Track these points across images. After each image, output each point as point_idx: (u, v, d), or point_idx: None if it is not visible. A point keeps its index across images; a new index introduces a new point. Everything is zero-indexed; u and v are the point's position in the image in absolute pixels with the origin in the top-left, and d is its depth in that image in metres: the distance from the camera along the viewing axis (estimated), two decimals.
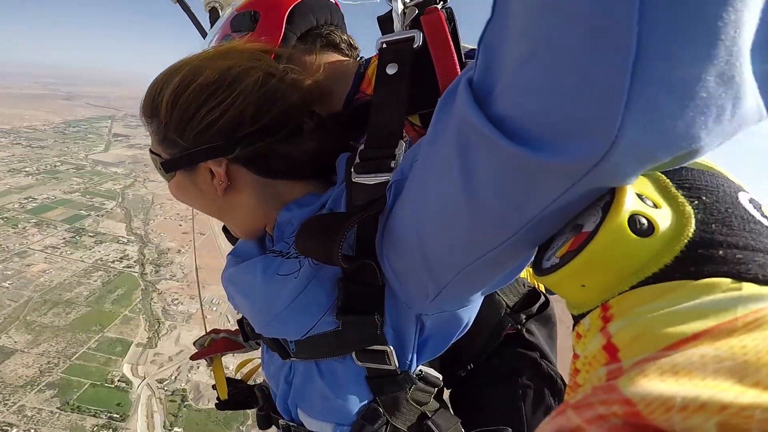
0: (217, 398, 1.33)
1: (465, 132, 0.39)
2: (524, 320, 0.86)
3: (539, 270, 0.43)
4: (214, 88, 0.68)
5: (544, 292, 0.94)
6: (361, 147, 0.64)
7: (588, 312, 0.37)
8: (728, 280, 0.29)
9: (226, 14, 1.15)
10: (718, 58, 0.27)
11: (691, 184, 0.36)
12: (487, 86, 0.38)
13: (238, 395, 1.37)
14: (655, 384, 0.23)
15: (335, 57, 1.03)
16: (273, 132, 0.70)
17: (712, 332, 0.26)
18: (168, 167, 0.75)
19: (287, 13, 1.09)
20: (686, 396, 0.22)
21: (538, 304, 0.90)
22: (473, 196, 0.41)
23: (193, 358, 1.33)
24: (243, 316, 1.00)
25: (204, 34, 1.63)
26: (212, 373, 1.34)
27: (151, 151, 0.77)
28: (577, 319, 0.40)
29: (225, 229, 1.01)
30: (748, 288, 0.28)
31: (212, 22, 1.59)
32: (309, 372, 0.78)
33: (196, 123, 0.69)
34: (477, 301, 0.67)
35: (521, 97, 0.34)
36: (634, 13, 0.26)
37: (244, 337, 1.14)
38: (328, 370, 0.75)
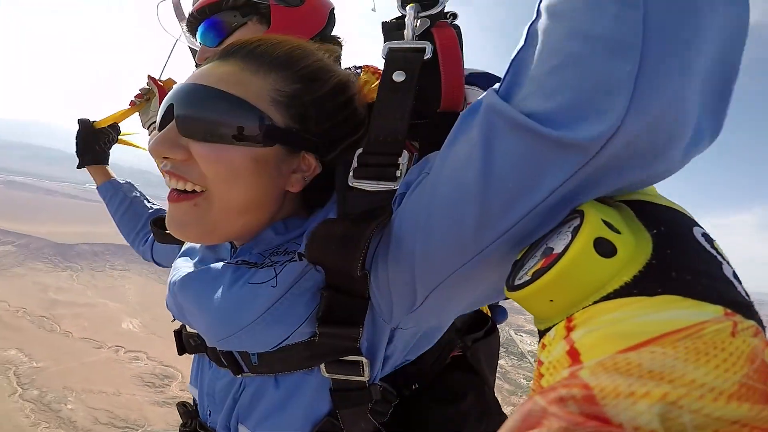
0: (94, 121, 1.47)
1: (491, 119, 0.44)
2: (471, 343, 0.85)
3: (511, 287, 0.46)
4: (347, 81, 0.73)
5: (490, 317, 0.94)
6: (359, 152, 0.63)
7: (554, 326, 0.40)
8: (678, 296, 0.33)
9: None
10: (693, 80, 0.38)
11: (651, 216, 0.41)
12: (514, 94, 0.44)
13: (102, 137, 1.47)
14: (610, 373, 0.26)
15: None
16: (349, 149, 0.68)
17: (663, 338, 0.29)
18: (278, 136, 0.65)
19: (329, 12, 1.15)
20: (633, 384, 0.25)
21: (485, 328, 0.89)
22: (490, 178, 0.44)
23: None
24: (182, 327, 0.87)
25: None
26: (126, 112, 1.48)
27: (252, 105, 0.63)
28: (543, 333, 0.42)
29: (154, 222, 0.89)
30: (693, 304, 0.32)
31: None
32: (263, 385, 0.73)
33: (342, 113, 0.70)
34: (450, 318, 0.68)
35: (547, 97, 0.41)
36: (639, 36, 0.37)
37: (180, 350, 0.89)
38: (286, 382, 0.71)
